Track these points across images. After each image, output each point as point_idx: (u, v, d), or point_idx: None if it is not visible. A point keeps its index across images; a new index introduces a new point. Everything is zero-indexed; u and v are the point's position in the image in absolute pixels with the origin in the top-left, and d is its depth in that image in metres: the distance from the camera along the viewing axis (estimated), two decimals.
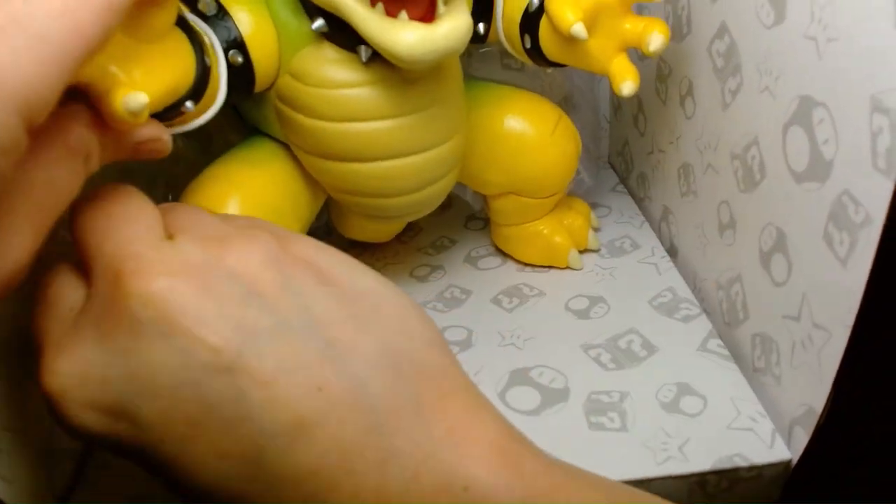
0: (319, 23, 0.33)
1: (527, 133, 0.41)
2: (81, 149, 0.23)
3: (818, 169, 0.28)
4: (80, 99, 0.24)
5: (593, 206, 0.49)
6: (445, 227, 0.50)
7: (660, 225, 0.47)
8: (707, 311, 0.40)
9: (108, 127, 0.24)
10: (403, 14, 0.31)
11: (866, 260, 0.26)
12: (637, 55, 0.36)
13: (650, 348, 0.38)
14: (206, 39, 0.31)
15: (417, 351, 0.23)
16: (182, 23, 0.29)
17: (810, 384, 0.30)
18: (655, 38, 0.33)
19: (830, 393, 0.29)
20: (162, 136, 0.26)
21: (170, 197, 0.38)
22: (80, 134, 0.23)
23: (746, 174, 0.34)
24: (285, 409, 0.21)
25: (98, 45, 0.21)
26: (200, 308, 0.21)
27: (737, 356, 0.37)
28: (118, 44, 0.25)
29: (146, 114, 0.25)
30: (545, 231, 0.44)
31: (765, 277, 0.34)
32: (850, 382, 0.29)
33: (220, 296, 0.21)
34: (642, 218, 0.49)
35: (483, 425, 0.22)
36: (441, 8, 0.31)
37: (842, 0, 0.26)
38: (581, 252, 0.45)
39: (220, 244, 0.23)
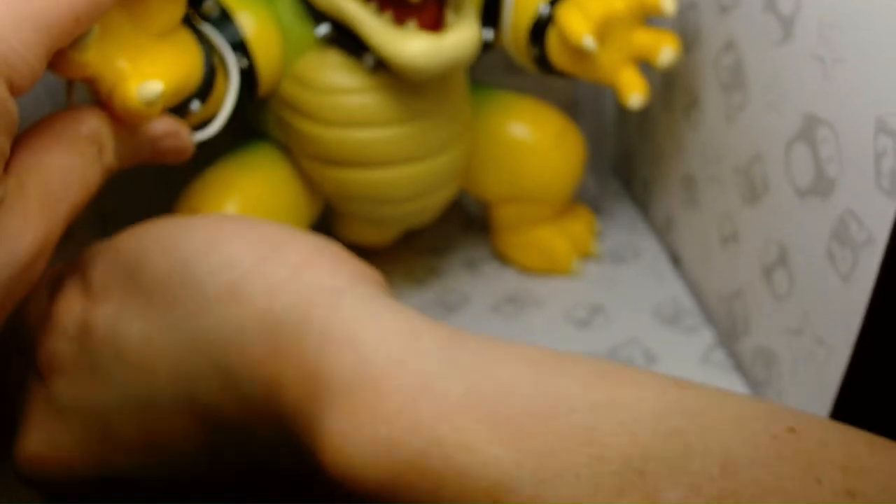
0: (325, 28, 0.33)
1: (532, 140, 0.41)
2: (94, 138, 0.23)
3: (821, 186, 0.28)
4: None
5: (596, 213, 0.49)
6: (445, 231, 0.50)
7: (662, 234, 0.47)
8: (709, 321, 0.40)
9: (122, 121, 0.24)
10: (411, 23, 0.31)
11: (868, 279, 0.26)
12: (643, 64, 0.36)
13: (651, 359, 0.38)
14: (213, 40, 0.31)
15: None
16: (189, 23, 0.29)
17: (812, 399, 0.30)
18: (666, 52, 0.34)
19: (832, 409, 0.29)
20: (179, 132, 0.26)
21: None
22: (93, 124, 0.23)
23: (749, 188, 0.34)
24: None
25: None
26: None
27: (739, 368, 0.37)
28: (127, 39, 0.25)
29: (160, 104, 0.25)
30: (547, 237, 0.44)
31: (767, 291, 0.34)
32: (850, 399, 0.29)
33: None
34: (645, 226, 0.49)
35: None
36: (450, 17, 0.31)
37: (849, 21, 0.26)
38: (582, 259, 0.45)
39: None
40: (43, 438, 0.22)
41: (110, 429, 0.22)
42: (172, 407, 0.21)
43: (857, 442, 0.16)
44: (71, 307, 0.23)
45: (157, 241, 0.22)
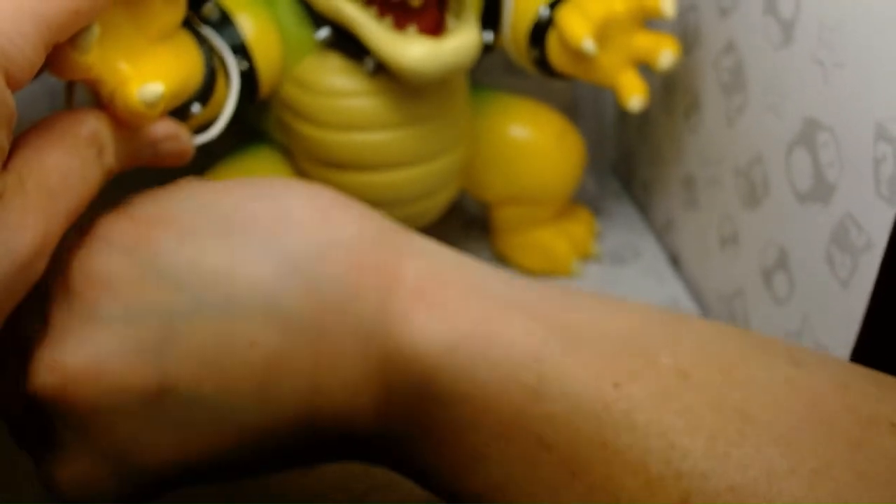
0: (325, 32, 0.33)
1: (532, 142, 0.41)
2: (94, 140, 0.23)
3: (821, 191, 0.28)
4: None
5: (596, 213, 0.49)
6: (444, 233, 0.50)
7: (662, 234, 0.47)
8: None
9: (123, 124, 0.24)
10: (412, 27, 0.31)
11: (867, 284, 0.26)
12: (643, 66, 0.36)
13: None
14: (213, 43, 0.31)
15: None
16: (189, 25, 0.29)
17: None
18: (666, 56, 0.34)
19: None
20: (179, 135, 0.26)
21: None
22: (93, 125, 0.23)
23: (750, 190, 0.34)
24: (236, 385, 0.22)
25: None
26: None
27: None
28: (128, 41, 0.25)
29: (161, 106, 0.25)
30: (547, 239, 0.44)
31: (767, 294, 0.34)
32: None
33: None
34: (645, 227, 0.49)
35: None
36: (451, 22, 0.31)
37: (850, 26, 0.26)
38: (582, 260, 0.45)
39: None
40: (85, 349, 0.22)
41: (173, 334, 0.22)
42: (248, 312, 0.22)
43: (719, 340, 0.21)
44: (120, 227, 0.23)
45: (217, 186, 0.25)
